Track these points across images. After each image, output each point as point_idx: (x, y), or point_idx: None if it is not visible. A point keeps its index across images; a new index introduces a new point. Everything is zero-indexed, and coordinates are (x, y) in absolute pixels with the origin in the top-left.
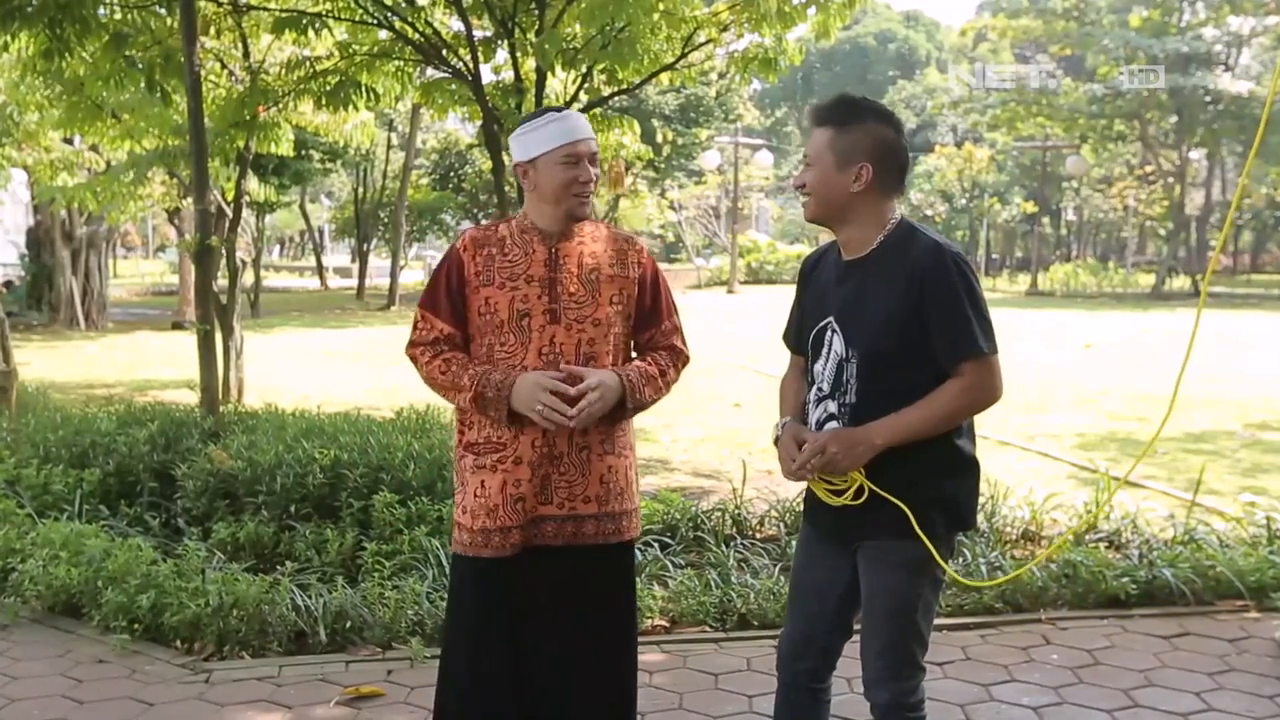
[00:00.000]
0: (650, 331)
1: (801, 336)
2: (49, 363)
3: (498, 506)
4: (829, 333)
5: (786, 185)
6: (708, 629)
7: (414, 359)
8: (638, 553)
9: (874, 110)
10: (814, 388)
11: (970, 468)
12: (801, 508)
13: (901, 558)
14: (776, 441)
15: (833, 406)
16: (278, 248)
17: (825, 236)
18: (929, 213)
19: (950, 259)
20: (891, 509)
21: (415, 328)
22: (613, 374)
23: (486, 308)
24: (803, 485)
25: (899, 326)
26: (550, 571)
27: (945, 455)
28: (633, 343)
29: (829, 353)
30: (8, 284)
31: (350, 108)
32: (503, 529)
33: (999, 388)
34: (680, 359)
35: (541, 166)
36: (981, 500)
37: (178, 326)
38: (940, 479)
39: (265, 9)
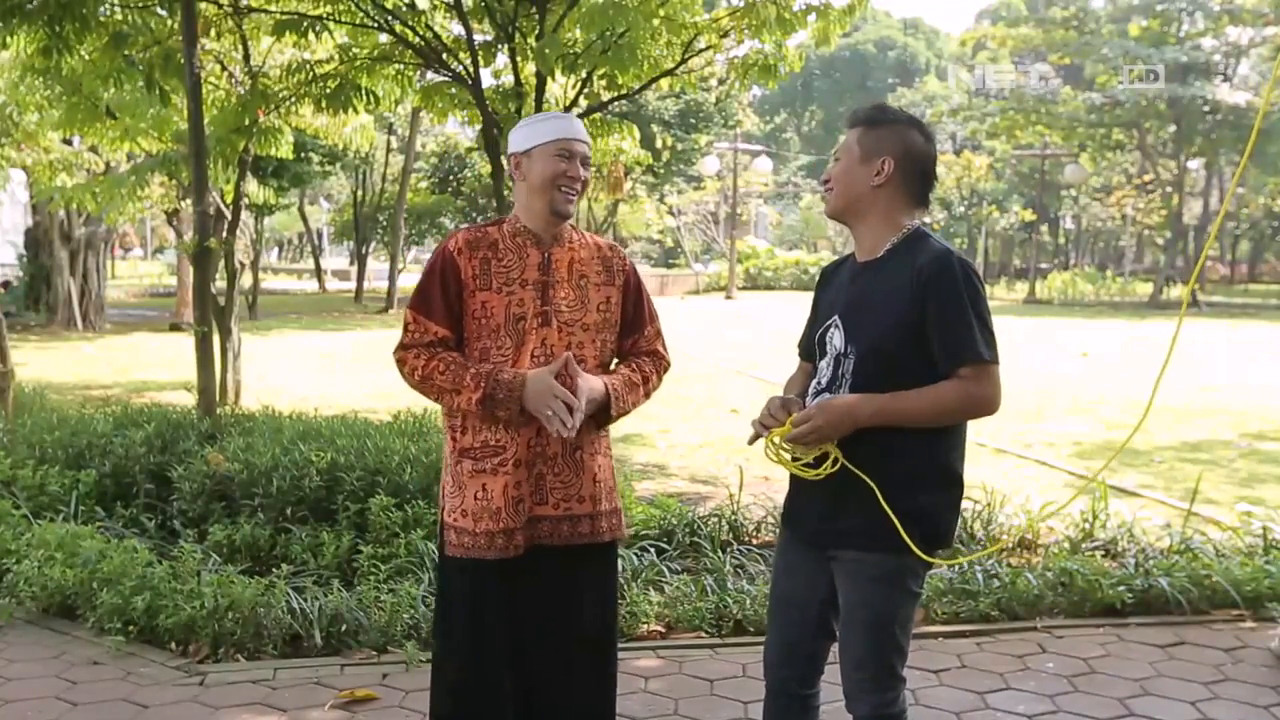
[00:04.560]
0: (634, 337)
1: (812, 340)
2: (46, 363)
3: (500, 509)
4: (832, 329)
5: (785, 191)
6: (703, 635)
7: (403, 361)
8: (634, 557)
9: (906, 117)
10: (814, 382)
11: (952, 484)
12: None
13: (878, 571)
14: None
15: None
16: (276, 250)
17: (825, 245)
18: (927, 220)
19: (958, 264)
20: (865, 519)
21: (406, 330)
22: (601, 383)
23: (483, 311)
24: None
25: (901, 327)
26: (545, 571)
27: (928, 467)
28: (617, 348)
29: (830, 348)
30: (6, 284)
31: (350, 111)
32: (506, 531)
33: (997, 398)
34: (662, 364)
35: (535, 156)
36: (978, 508)
37: (175, 328)
38: (916, 490)
39: (266, 11)
